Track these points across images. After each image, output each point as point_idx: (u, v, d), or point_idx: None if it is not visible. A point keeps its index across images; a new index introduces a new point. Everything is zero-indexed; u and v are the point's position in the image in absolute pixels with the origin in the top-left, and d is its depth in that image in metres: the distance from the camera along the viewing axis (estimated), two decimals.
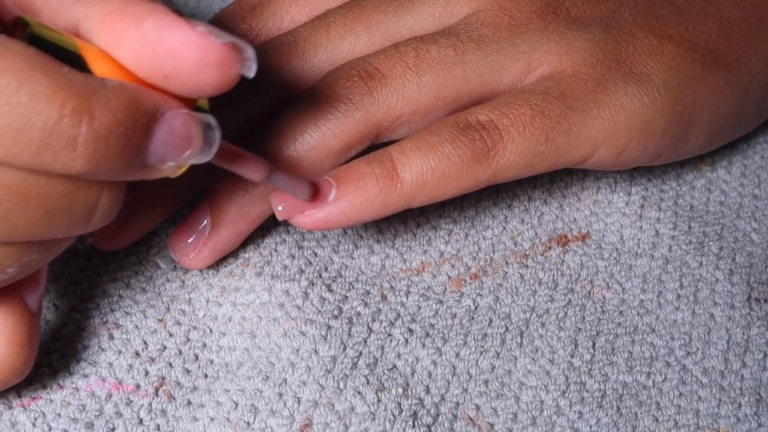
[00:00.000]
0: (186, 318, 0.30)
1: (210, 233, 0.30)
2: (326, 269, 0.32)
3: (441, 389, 0.29)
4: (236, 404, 0.28)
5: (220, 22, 0.34)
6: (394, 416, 0.28)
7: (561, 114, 0.29)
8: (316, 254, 0.33)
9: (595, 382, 0.29)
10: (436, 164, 0.28)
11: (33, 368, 0.28)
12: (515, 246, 0.33)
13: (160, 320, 0.30)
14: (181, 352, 0.29)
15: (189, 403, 0.28)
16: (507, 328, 0.31)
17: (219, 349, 0.30)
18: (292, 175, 0.27)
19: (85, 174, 0.20)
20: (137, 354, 0.29)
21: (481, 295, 0.32)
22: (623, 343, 0.31)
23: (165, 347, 0.29)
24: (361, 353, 0.29)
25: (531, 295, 0.32)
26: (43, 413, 0.27)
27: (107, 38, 0.21)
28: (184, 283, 0.31)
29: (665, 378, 0.30)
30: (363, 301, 0.31)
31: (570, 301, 0.32)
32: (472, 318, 0.31)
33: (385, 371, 0.29)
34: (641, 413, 0.29)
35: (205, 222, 0.30)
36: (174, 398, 0.28)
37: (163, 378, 0.29)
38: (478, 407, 0.29)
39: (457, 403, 0.29)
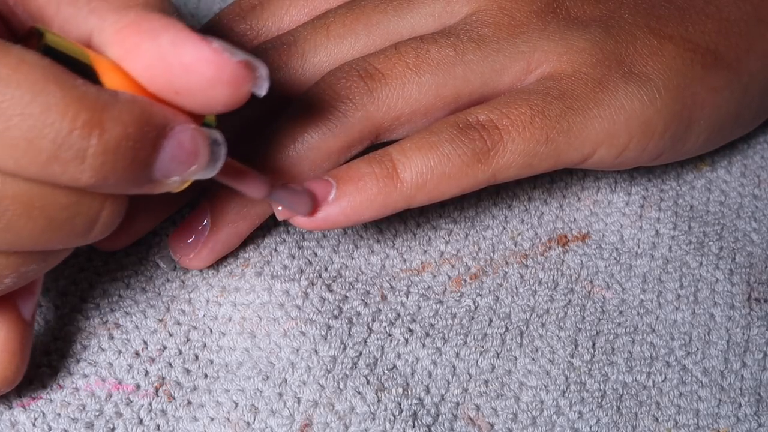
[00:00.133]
0: (186, 318, 0.30)
1: (210, 233, 0.30)
2: (326, 269, 0.32)
3: (441, 389, 0.29)
4: (236, 404, 0.28)
5: (220, 22, 0.34)
6: (394, 416, 0.28)
7: (561, 114, 0.29)
8: (316, 254, 0.33)
9: (595, 382, 0.29)
10: (436, 164, 0.28)
11: (33, 368, 0.28)
12: (515, 246, 0.33)
13: (160, 320, 0.30)
14: (181, 352, 0.29)
15: (189, 403, 0.28)
16: (507, 328, 0.31)
17: (219, 349, 0.30)
18: (292, 190, 0.27)
19: (91, 186, 0.20)
20: (137, 354, 0.29)
21: (481, 295, 0.32)
22: (623, 343, 0.31)
23: (165, 347, 0.29)
24: (361, 353, 0.30)
25: (531, 295, 0.32)
26: (43, 413, 0.27)
27: (121, 51, 0.21)
28: (184, 283, 0.31)
29: (665, 378, 0.30)
30: (363, 301, 0.31)
31: (570, 301, 0.32)
32: (472, 318, 0.31)
33: (385, 371, 0.29)
34: (641, 413, 0.29)
35: (205, 222, 0.30)
36: (174, 398, 0.28)
37: (163, 378, 0.29)
38: (478, 407, 0.29)
39: (457, 403, 0.29)
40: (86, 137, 0.19)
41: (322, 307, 0.31)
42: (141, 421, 0.27)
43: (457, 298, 0.32)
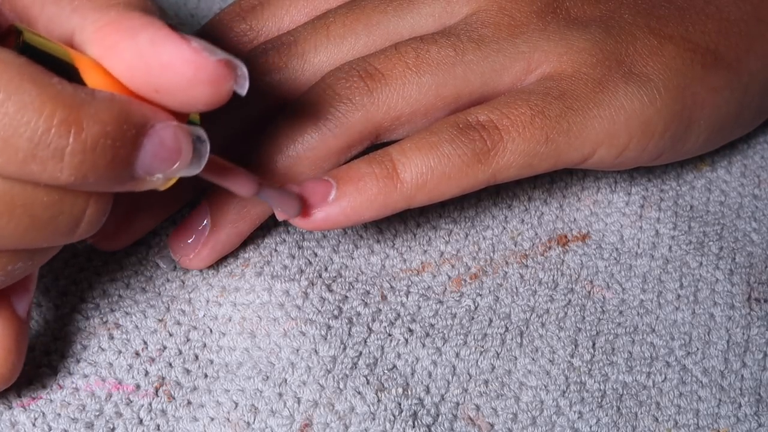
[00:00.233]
0: (186, 318, 0.30)
1: (210, 233, 0.30)
2: (326, 269, 0.32)
3: (441, 389, 0.29)
4: (236, 404, 0.28)
5: (220, 22, 0.34)
6: (394, 416, 0.28)
7: (561, 114, 0.29)
8: (316, 254, 0.33)
9: (595, 382, 0.29)
10: (436, 164, 0.28)
11: (33, 368, 0.28)
12: (515, 246, 0.33)
13: (160, 320, 0.30)
14: (181, 352, 0.29)
15: (189, 403, 0.28)
16: (507, 328, 0.31)
17: (219, 349, 0.30)
18: (282, 191, 0.27)
19: (71, 185, 0.20)
20: (137, 354, 0.29)
21: (481, 295, 0.32)
22: (623, 343, 0.31)
23: (165, 347, 0.29)
24: (361, 353, 0.29)
25: (531, 295, 0.32)
26: (43, 413, 0.27)
27: (101, 50, 0.21)
28: (184, 283, 0.31)
29: (665, 378, 0.30)
30: (363, 301, 0.31)
31: (570, 301, 0.32)
32: (472, 318, 0.31)
33: (385, 371, 0.29)
34: (641, 413, 0.29)
35: (204, 222, 0.30)
36: (174, 398, 0.28)
37: (163, 378, 0.29)
38: (478, 407, 0.29)
39: (457, 403, 0.29)
40: (64, 135, 0.19)
41: (322, 307, 0.31)
42: (141, 421, 0.27)
43: (457, 298, 0.32)
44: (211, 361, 0.29)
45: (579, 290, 0.32)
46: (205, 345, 0.30)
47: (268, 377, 0.29)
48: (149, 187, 0.22)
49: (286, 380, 0.29)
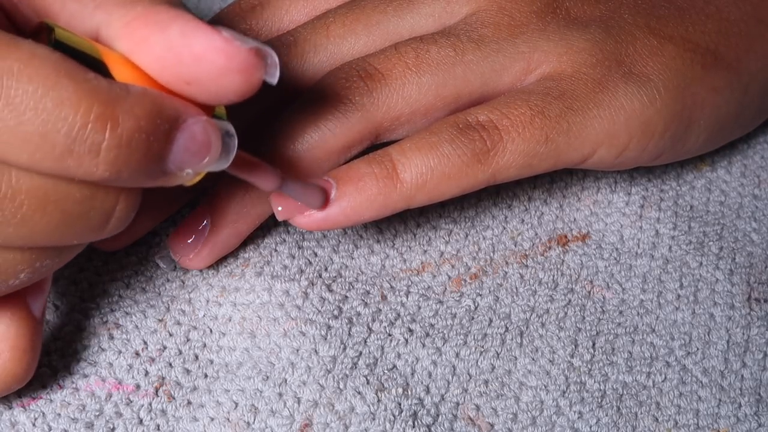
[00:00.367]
0: (186, 318, 0.30)
1: (210, 233, 0.30)
2: (326, 269, 0.32)
3: (441, 389, 0.29)
4: (236, 404, 0.28)
5: (220, 21, 0.34)
6: (394, 416, 0.28)
7: (561, 114, 0.29)
8: (316, 254, 0.33)
9: (595, 382, 0.29)
10: (436, 164, 0.28)
11: None
12: (515, 246, 0.33)
13: (160, 320, 0.30)
14: (181, 352, 0.29)
15: (189, 403, 0.28)
16: (507, 328, 0.31)
17: (219, 349, 0.30)
18: (305, 184, 0.27)
19: (106, 180, 0.20)
20: (137, 354, 0.29)
21: (481, 295, 0.32)
22: (623, 343, 0.31)
23: (165, 347, 0.29)
24: (361, 353, 0.30)
25: (531, 295, 0.32)
26: (43, 413, 0.27)
27: (130, 44, 0.21)
28: (184, 283, 0.31)
29: (665, 378, 0.30)
30: (363, 301, 0.31)
31: (570, 301, 0.32)
32: (472, 318, 0.31)
33: (385, 371, 0.29)
34: (641, 413, 0.29)
35: (204, 222, 0.30)
36: (174, 398, 0.28)
37: (163, 378, 0.29)
38: (478, 407, 0.29)
39: (457, 403, 0.29)
40: (100, 131, 0.19)
41: (322, 307, 0.31)
42: (141, 421, 0.27)
43: (457, 298, 0.32)
44: (211, 361, 0.29)
45: (579, 290, 0.32)
46: (205, 345, 0.30)
47: (268, 377, 0.29)
48: (179, 182, 0.22)
49: (286, 380, 0.29)
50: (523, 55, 0.30)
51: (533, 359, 0.30)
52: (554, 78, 0.30)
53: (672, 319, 0.31)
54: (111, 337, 0.30)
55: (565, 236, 0.34)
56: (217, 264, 0.32)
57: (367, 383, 0.29)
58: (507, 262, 0.33)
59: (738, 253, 0.33)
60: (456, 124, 0.29)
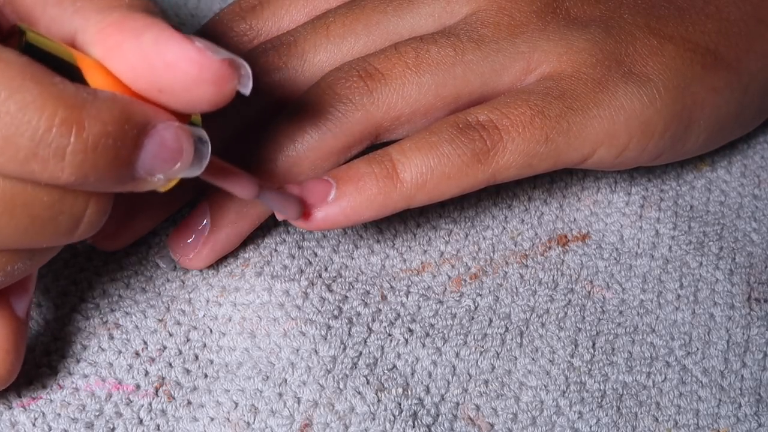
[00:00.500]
0: (186, 318, 0.30)
1: (210, 233, 0.30)
2: (326, 269, 0.32)
3: (441, 389, 0.29)
4: (236, 404, 0.28)
5: (220, 21, 0.34)
6: (394, 416, 0.28)
7: (561, 114, 0.29)
8: (316, 254, 0.33)
9: (595, 382, 0.29)
10: (436, 164, 0.28)
11: (33, 368, 0.28)
12: (515, 246, 0.33)
13: (160, 320, 0.30)
14: (181, 352, 0.29)
15: (189, 403, 0.28)
16: (507, 328, 0.31)
17: (219, 349, 0.30)
18: (283, 194, 0.27)
19: (72, 184, 0.20)
20: (137, 354, 0.29)
21: (481, 295, 0.32)
22: (623, 343, 0.31)
23: (165, 347, 0.29)
24: (361, 353, 0.29)
25: (531, 295, 0.32)
26: (43, 413, 0.27)
27: (104, 50, 0.21)
28: (184, 283, 0.31)
29: (665, 378, 0.30)
30: (363, 301, 0.31)
31: (570, 301, 0.32)
32: (472, 318, 0.31)
33: (385, 371, 0.29)
34: (641, 413, 0.29)
35: (204, 222, 0.30)
36: (174, 398, 0.28)
37: (163, 378, 0.29)
38: (478, 407, 0.29)
39: (457, 403, 0.29)
40: (65, 135, 0.19)
41: (322, 307, 0.31)
42: (141, 421, 0.27)
43: (457, 298, 0.32)
44: (211, 361, 0.29)
45: (579, 290, 0.32)
46: (205, 345, 0.30)
47: (268, 377, 0.29)
48: (150, 188, 0.22)
49: (286, 380, 0.29)
50: (523, 54, 0.30)
51: (533, 359, 0.30)
52: (554, 78, 0.30)
53: (672, 319, 0.31)
54: (111, 337, 0.30)
55: (565, 236, 0.34)
56: (217, 264, 0.32)
57: (367, 383, 0.29)
58: (507, 262, 0.33)
59: (738, 253, 0.33)
60: (456, 123, 0.29)
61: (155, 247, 0.32)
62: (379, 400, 0.28)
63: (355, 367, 0.29)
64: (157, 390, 0.28)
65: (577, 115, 0.30)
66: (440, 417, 0.28)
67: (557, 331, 0.31)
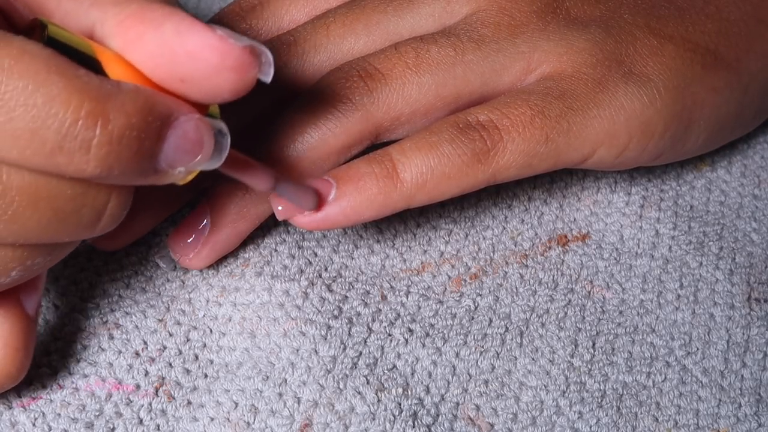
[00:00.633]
0: (186, 318, 0.30)
1: (210, 233, 0.30)
2: (326, 269, 0.32)
3: (441, 389, 0.29)
4: (236, 404, 0.28)
5: (220, 21, 0.34)
6: (394, 416, 0.28)
7: (561, 114, 0.29)
8: (316, 254, 0.33)
9: (595, 382, 0.29)
10: (436, 164, 0.28)
11: (33, 368, 0.28)
12: (515, 246, 0.33)
13: (160, 320, 0.30)
14: (181, 352, 0.29)
15: (189, 403, 0.28)
16: (507, 328, 0.31)
17: (219, 349, 0.30)
18: (299, 185, 0.27)
19: (96, 177, 0.20)
20: (137, 354, 0.29)
21: (481, 295, 0.32)
22: (623, 343, 0.31)
23: (165, 347, 0.29)
24: (361, 353, 0.29)
25: (531, 295, 0.32)
26: (43, 413, 0.27)
27: (124, 42, 0.21)
28: (184, 283, 0.31)
29: (665, 378, 0.30)
30: (363, 301, 0.31)
31: (570, 301, 0.32)
32: (472, 318, 0.31)
33: (385, 371, 0.29)
34: (641, 413, 0.29)
35: (204, 222, 0.30)
36: (174, 398, 0.28)
37: (163, 378, 0.29)
38: (478, 407, 0.29)
39: (457, 403, 0.29)
40: (90, 127, 0.19)
41: (322, 307, 0.31)
42: (141, 421, 0.27)
43: (457, 298, 0.32)
44: (211, 361, 0.29)
45: (579, 290, 0.32)
46: (205, 345, 0.30)
47: (268, 377, 0.29)
48: (171, 181, 0.22)
49: (286, 380, 0.29)
50: (524, 55, 0.30)
51: (533, 359, 0.30)
52: (554, 78, 0.30)
53: (672, 319, 0.31)
54: (111, 337, 0.30)
55: (565, 236, 0.34)
56: (217, 264, 0.32)
57: (367, 383, 0.29)
58: (507, 262, 0.33)
59: (738, 253, 0.33)
60: (456, 123, 0.29)
61: (155, 247, 0.32)
62: (379, 400, 0.28)
63: (355, 367, 0.29)
64: (157, 390, 0.28)
65: (578, 115, 0.30)
66: (440, 417, 0.28)
67: (557, 331, 0.31)
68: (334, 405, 0.28)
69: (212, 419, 0.28)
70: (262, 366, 0.29)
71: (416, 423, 0.28)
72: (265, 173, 0.25)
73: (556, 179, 0.36)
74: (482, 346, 0.30)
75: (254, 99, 0.31)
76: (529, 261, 0.33)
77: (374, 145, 0.30)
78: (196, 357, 0.29)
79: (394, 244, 0.33)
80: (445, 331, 0.30)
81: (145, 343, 0.30)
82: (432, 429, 0.28)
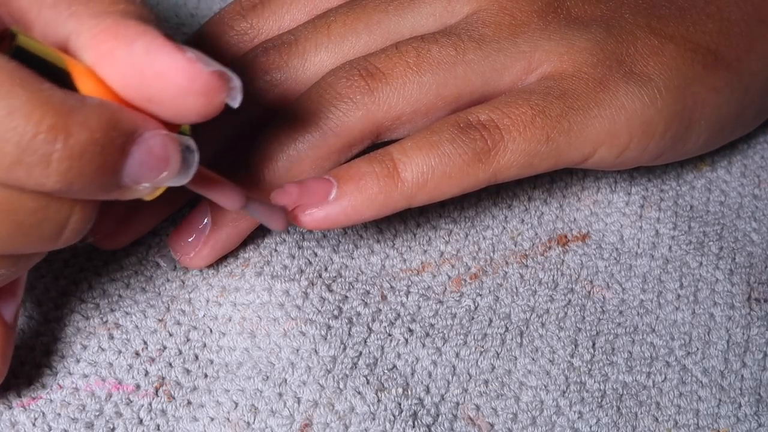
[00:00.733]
0: (186, 318, 0.30)
1: (210, 232, 0.30)
2: (326, 269, 0.32)
3: (441, 389, 0.29)
4: (236, 404, 0.28)
5: (221, 20, 0.34)
6: (394, 416, 0.28)
7: (562, 114, 0.29)
8: (316, 254, 0.33)
9: (595, 382, 0.29)
10: (437, 164, 0.28)
11: (33, 368, 0.28)
12: (515, 246, 0.33)
13: (160, 320, 0.30)
14: (181, 352, 0.29)
15: (189, 403, 0.28)
16: (507, 328, 0.31)
17: (219, 349, 0.30)
18: (268, 205, 0.27)
19: (57, 191, 0.20)
20: (137, 354, 0.29)
21: (481, 295, 0.32)
22: (623, 343, 0.31)
23: (165, 347, 0.29)
24: (361, 353, 0.29)
25: (531, 295, 0.32)
26: (43, 413, 0.27)
27: (96, 56, 0.21)
28: (184, 283, 0.31)
29: (665, 378, 0.30)
30: (363, 301, 0.31)
31: (570, 301, 0.32)
32: (472, 318, 0.31)
33: (385, 371, 0.29)
34: (641, 413, 0.29)
35: (205, 221, 0.30)
36: (174, 398, 0.28)
37: (163, 378, 0.29)
38: (478, 407, 0.29)
39: (457, 403, 0.29)
40: (51, 141, 0.19)
41: (322, 307, 0.31)
42: (141, 421, 0.27)
43: (457, 298, 0.32)
44: (211, 361, 0.29)
45: (579, 290, 0.32)
46: (205, 345, 0.30)
47: (268, 377, 0.29)
48: (135, 196, 0.22)
49: (286, 380, 0.29)
50: (524, 54, 0.30)
51: (533, 359, 0.30)
52: (555, 77, 0.30)
53: (672, 319, 0.31)
54: (111, 337, 0.30)
55: (565, 236, 0.34)
56: (217, 264, 0.32)
57: (367, 383, 0.29)
58: (507, 262, 0.33)
59: (738, 253, 0.33)
60: (457, 123, 0.29)
61: (155, 247, 0.32)
62: (379, 400, 0.28)
63: (355, 367, 0.29)
64: (157, 390, 0.28)
65: (578, 114, 0.30)
66: (440, 417, 0.28)
67: (557, 331, 0.31)
68: (334, 405, 0.28)
69: (212, 419, 0.28)
70: (262, 366, 0.29)
71: (416, 423, 0.28)
72: (235, 192, 0.25)
73: (556, 179, 0.36)
74: (482, 346, 0.30)
75: (256, 99, 0.31)
76: (529, 261, 0.33)
77: (375, 144, 0.30)
78: (196, 357, 0.29)
79: (394, 244, 0.33)
80: (445, 331, 0.30)
81: (145, 343, 0.29)
82: (432, 429, 0.28)
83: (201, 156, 0.22)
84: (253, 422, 0.28)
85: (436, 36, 0.30)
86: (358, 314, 0.31)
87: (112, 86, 0.21)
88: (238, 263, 0.32)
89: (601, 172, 0.36)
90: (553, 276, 0.32)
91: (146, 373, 0.29)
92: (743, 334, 0.31)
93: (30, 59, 0.20)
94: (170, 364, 0.29)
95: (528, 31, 0.31)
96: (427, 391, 0.29)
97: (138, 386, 0.28)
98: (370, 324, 0.30)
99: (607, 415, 0.29)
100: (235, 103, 0.21)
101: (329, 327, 0.30)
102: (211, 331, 0.30)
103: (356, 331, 0.30)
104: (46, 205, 0.21)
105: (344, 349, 0.30)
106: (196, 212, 0.31)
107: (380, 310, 0.31)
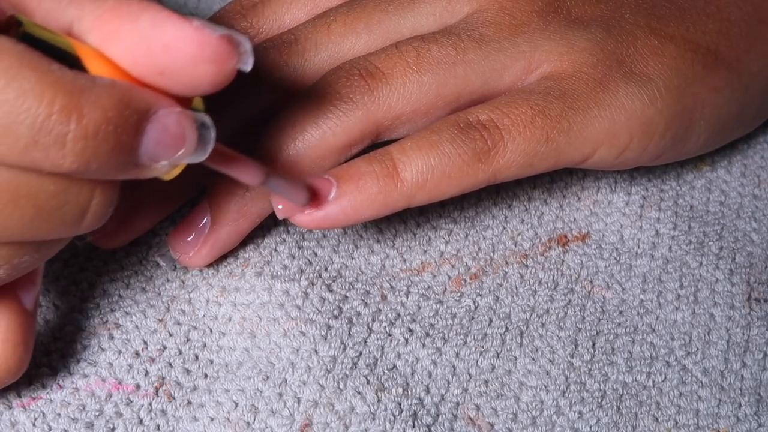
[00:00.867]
0: (186, 318, 0.30)
1: (210, 231, 0.30)
2: (326, 269, 0.32)
3: (441, 389, 0.29)
4: (236, 404, 0.28)
5: (221, 19, 0.34)
6: (394, 416, 0.28)
7: (561, 114, 0.29)
8: (316, 254, 0.33)
9: (595, 382, 0.29)
10: (437, 163, 0.28)
11: (33, 368, 0.28)
12: (515, 246, 0.33)
13: (160, 320, 0.30)
14: (181, 352, 0.29)
15: (189, 403, 0.28)
16: (507, 328, 0.31)
17: (219, 349, 0.30)
18: (290, 180, 0.27)
19: (74, 172, 0.20)
20: (137, 354, 0.29)
21: (481, 295, 0.32)
22: (623, 343, 0.31)
23: (165, 347, 0.29)
24: (361, 353, 0.29)
25: (531, 295, 0.32)
26: (43, 413, 0.27)
27: (101, 37, 0.21)
28: (184, 283, 0.31)
29: (665, 378, 0.30)
30: (363, 301, 0.31)
31: (570, 301, 0.32)
32: (472, 318, 0.31)
33: (385, 371, 0.29)
34: (641, 413, 0.29)
35: (205, 220, 0.30)
36: (174, 398, 0.28)
37: (163, 378, 0.29)
38: (478, 407, 0.29)
39: (457, 403, 0.29)
40: (65, 122, 0.19)
41: (322, 307, 0.31)
42: (141, 421, 0.27)
43: (457, 298, 0.32)
44: (211, 361, 0.29)
45: (579, 290, 0.32)
46: (205, 345, 0.30)
47: (268, 377, 0.29)
48: (154, 174, 0.22)
49: (286, 380, 0.29)
50: (524, 54, 0.30)
51: (533, 359, 0.30)
52: (555, 77, 0.30)
53: (672, 319, 0.31)
54: (111, 337, 0.30)
55: (565, 236, 0.34)
56: (217, 264, 0.32)
57: (367, 383, 0.29)
58: (507, 262, 0.33)
59: (738, 253, 0.33)
60: (457, 123, 0.29)
61: (155, 246, 0.32)
62: (379, 400, 0.28)
63: (355, 367, 0.29)
64: (157, 390, 0.28)
65: (578, 114, 0.30)
66: (440, 417, 0.28)
67: (557, 331, 0.31)
68: (334, 405, 0.28)
69: (212, 419, 0.28)
70: (262, 366, 0.29)
71: (416, 423, 0.28)
72: (255, 167, 0.25)
73: (556, 179, 0.36)
74: (482, 346, 0.30)
75: (255, 97, 0.31)
76: (529, 261, 0.33)
77: (375, 144, 0.30)
78: (196, 357, 0.29)
79: (394, 244, 0.33)
80: (445, 331, 0.30)
81: (145, 343, 0.29)
82: (432, 429, 0.28)
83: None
84: (253, 422, 0.28)
85: (436, 36, 0.30)
86: (358, 314, 0.31)
87: (121, 65, 0.21)
88: (238, 263, 0.32)
89: (601, 172, 0.36)
90: (553, 276, 0.32)
91: (146, 373, 0.29)
92: (743, 334, 0.31)
93: (37, 45, 0.20)
94: (170, 364, 0.29)
95: (528, 31, 0.31)
96: (427, 391, 0.29)
97: (138, 386, 0.28)
98: (370, 324, 0.30)
99: (607, 415, 0.29)
100: (247, 67, 0.21)
101: (329, 327, 0.30)
102: (211, 331, 0.30)
103: (356, 331, 0.30)
104: (66, 188, 0.21)
105: (344, 349, 0.30)
106: (195, 211, 0.31)
107: (380, 310, 0.31)
